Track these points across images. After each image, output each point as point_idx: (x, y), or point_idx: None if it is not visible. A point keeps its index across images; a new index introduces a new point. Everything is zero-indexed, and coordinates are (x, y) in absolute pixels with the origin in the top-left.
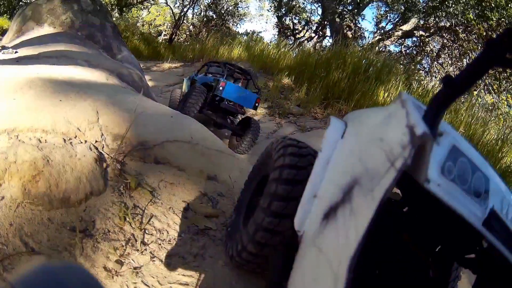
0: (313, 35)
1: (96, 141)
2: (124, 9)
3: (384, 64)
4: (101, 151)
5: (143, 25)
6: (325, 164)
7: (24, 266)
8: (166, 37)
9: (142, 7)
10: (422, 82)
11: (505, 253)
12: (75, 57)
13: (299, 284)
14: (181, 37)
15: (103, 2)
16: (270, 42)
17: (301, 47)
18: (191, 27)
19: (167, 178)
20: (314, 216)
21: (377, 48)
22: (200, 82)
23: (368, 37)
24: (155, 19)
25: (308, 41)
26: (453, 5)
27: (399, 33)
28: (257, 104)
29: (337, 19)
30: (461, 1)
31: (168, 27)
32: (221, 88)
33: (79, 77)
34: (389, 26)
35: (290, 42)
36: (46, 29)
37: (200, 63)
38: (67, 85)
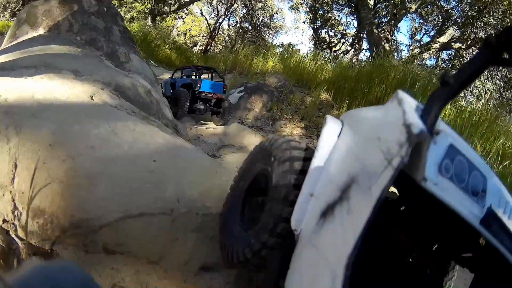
0: (349, 48)
1: (3, 220)
2: (157, 17)
3: (430, 80)
4: (12, 236)
5: (178, 35)
6: (321, 163)
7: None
8: (202, 48)
9: (177, 17)
10: (468, 100)
11: (503, 251)
12: (61, 67)
13: (296, 283)
14: (217, 48)
15: (113, 3)
16: (307, 55)
17: (338, 60)
18: (226, 38)
19: (126, 279)
20: (311, 215)
21: (415, 61)
22: (179, 84)
23: (404, 50)
24: (190, 29)
25: (344, 54)
26: (493, 14)
27: (437, 45)
28: (224, 89)
29: (375, 31)
30: (499, 10)
31: (204, 37)
32: (199, 85)
33: (44, 95)
34: (425, 39)
35: (327, 55)
36: (40, 33)
37: (232, 74)
38: (6, 110)
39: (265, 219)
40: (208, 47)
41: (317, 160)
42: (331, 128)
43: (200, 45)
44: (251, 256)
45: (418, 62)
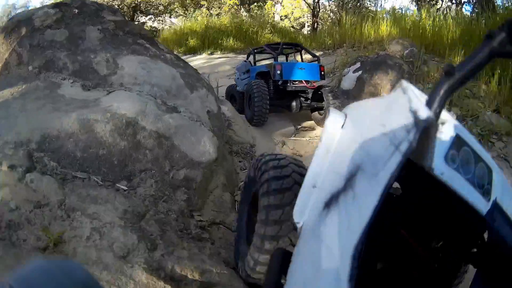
0: (449, 3)
1: None
2: (251, 6)
3: None
4: None
5: (281, 19)
6: (324, 154)
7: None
8: (309, 28)
9: (274, 3)
10: None
11: (507, 246)
12: None
13: (299, 276)
14: (325, 26)
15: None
16: (421, 12)
17: (458, 14)
18: (331, 14)
19: None
20: (314, 207)
21: None
22: (253, 74)
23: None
24: (292, 12)
25: (446, 12)
26: None
27: None
28: (322, 73)
29: None
30: None
31: (308, 18)
32: (278, 72)
33: None
34: None
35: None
36: None
37: (343, 49)
38: None
39: (254, 238)
40: (315, 26)
41: (320, 153)
42: (334, 120)
43: (308, 26)
44: (251, 272)
45: None
